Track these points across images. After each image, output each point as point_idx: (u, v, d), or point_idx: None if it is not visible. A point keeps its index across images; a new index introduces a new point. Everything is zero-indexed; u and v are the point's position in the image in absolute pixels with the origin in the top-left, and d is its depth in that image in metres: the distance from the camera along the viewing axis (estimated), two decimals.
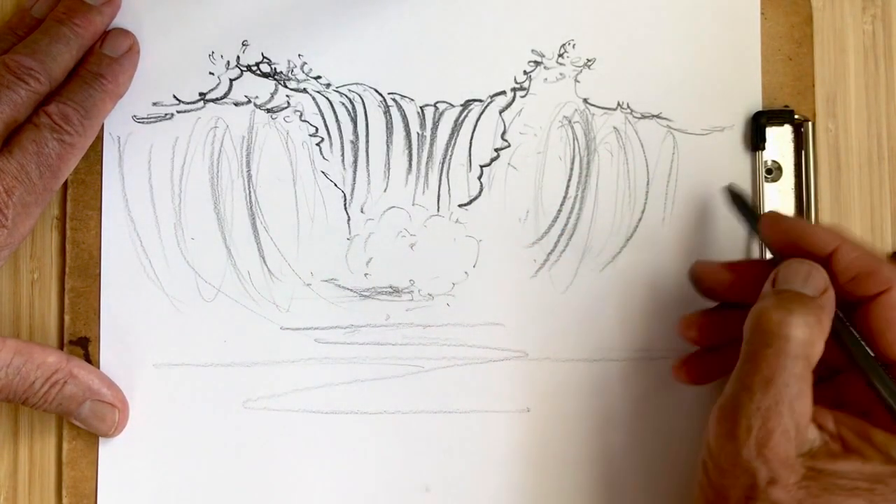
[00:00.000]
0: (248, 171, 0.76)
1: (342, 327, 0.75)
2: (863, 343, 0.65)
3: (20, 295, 0.76)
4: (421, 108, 0.76)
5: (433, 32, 0.76)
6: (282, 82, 0.76)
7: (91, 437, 0.74)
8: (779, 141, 0.75)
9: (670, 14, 0.76)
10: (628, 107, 0.76)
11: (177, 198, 0.75)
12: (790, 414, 0.61)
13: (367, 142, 0.76)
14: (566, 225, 0.75)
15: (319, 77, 0.76)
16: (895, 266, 0.66)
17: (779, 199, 0.74)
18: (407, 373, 0.75)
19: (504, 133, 0.76)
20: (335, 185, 0.75)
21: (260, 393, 0.75)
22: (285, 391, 0.75)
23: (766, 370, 0.62)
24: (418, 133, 0.76)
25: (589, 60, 0.76)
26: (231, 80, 0.76)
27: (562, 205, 0.75)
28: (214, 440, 0.75)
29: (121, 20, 0.75)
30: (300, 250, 0.75)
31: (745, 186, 0.75)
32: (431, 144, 0.76)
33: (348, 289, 0.75)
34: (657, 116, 0.76)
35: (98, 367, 0.74)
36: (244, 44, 0.76)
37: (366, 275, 0.75)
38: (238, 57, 0.76)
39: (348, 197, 0.75)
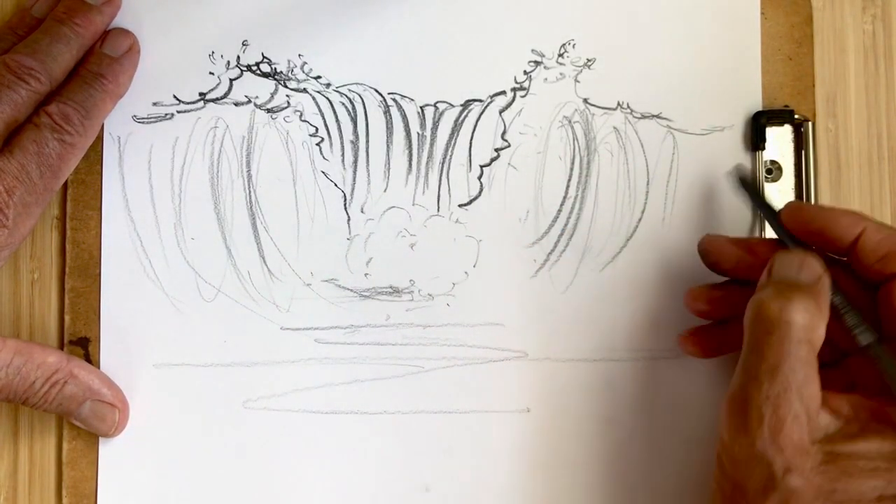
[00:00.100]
0: (248, 171, 0.76)
1: (342, 327, 0.75)
2: (865, 324, 0.66)
3: (20, 295, 0.76)
4: (421, 108, 0.76)
5: (433, 32, 0.76)
6: (282, 82, 0.76)
7: (91, 437, 0.74)
8: (779, 141, 0.75)
9: (670, 14, 0.76)
10: (628, 107, 0.76)
11: (177, 198, 0.75)
12: (800, 400, 0.61)
13: (368, 142, 0.76)
14: (566, 225, 0.75)
15: (319, 77, 0.76)
16: None
17: (779, 198, 0.74)
18: (407, 373, 0.75)
19: (504, 133, 0.76)
20: (335, 185, 0.75)
21: (260, 393, 0.75)
22: (285, 391, 0.75)
23: (771, 358, 0.62)
24: (418, 133, 0.76)
25: (589, 60, 0.76)
26: (231, 80, 0.76)
27: (562, 205, 0.75)
28: (214, 440, 0.75)
29: (121, 20, 0.75)
30: (300, 250, 0.75)
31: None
32: (431, 144, 0.76)
33: (348, 289, 0.75)
34: (657, 116, 0.76)
35: (98, 367, 0.74)
36: (244, 44, 0.76)
37: (366, 275, 0.75)
38: (238, 57, 0.76)
39: (348, 197, 0.75)
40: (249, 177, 0.76)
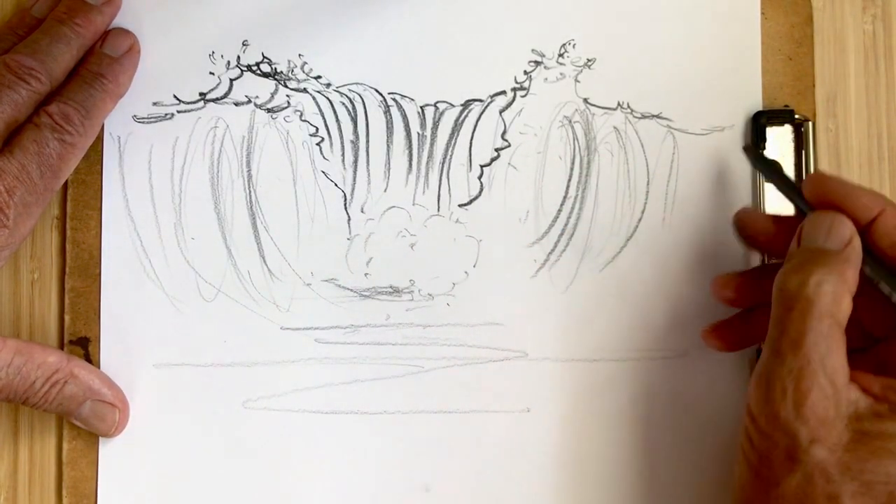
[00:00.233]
0: (249, 170, 0.76)
1: (342, 327, 0.75)
2: None
3: (20, 295, 0.76)
4: (421, 107, 0.76)
5: (433, 32, 0.76)
6: (282, 82, 0.76)
7: (91, 437, 0.74)
8: (779, 141, 0.75)
9: (671, 14, 0.76)
10: (628, 106, 0.76)
11: (177, 197, 0.75)
12: (823, 372, 0.61)
13: (368, 142, 0.76)
14: (566, 225, 0.75)
15: (320, 77, 0.76)
16: None
17: (779, 198, 0.74)
18: (407, 373, 0.75)
19: (504, 133, 0.76)
20: (335, 184, 0.76)
21: (260, 393, 0.75)
22: (285, 391, 0.75)
23: (792, 332, 0.62)
24: (418, 133, 0.76)
25: (589, 60, 0.76)
26: (231, 80, 0.76)
27: (562, 205, 0.75)
28: (214, 440, 0.75)
29: (121, 20, 0.76)
30: (300, 250, 0.75)
31: (745, 186, 0.75)
32: (432, 144, 0.76)
33: (348, 289, 0.75)
34: (657, 116, 0.76)
35: (98, 367, 0.74)
36: (244, 44, 0.76)
37: (366, 275, 0.75)
38: (238, 57, 0.76)
39: (348, 197, 0.75)
40: (249, 177, 0.76)
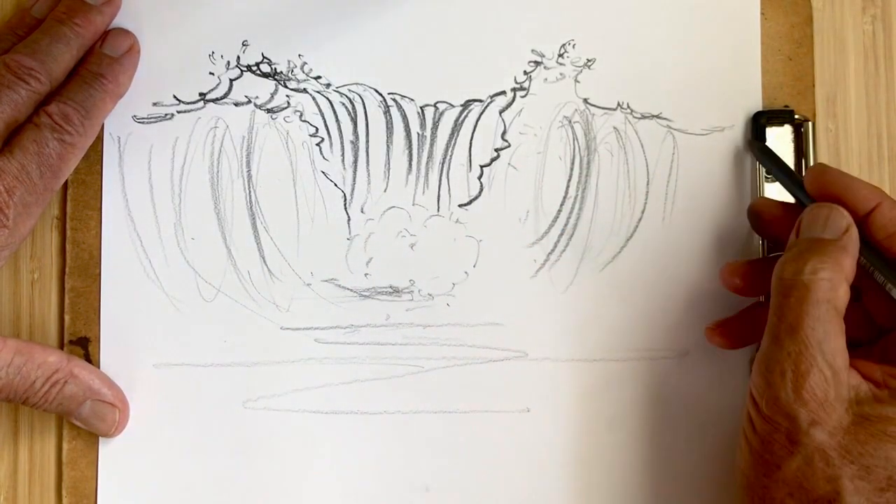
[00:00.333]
0: (249, 171, 0.76)
1: (342, 327, 0.75)
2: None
3: (20, 295, 0.76)
4: (421, 108, 0.76)
5: (433, 32, 0.76)
6: (282, 82, 0.76)
7: (91, 437, 0.74)
8: (779, 141, 0.75)
9: (670, 14, 0.76)
10: (628, 107, 0.76)
11: (177, 198, 0.75)
12: (821, 355, 0.62)
13: (368, 142, 0.76)
14: (566, 225, 0.75)
15: (319, 77, 0.76)
16: None
17: (779, 198, 0.73)
18: (407, 373, 0.75)
19: (504, 133, 0.76)
20: (335, 185, 0.76)
21: (260, 393, 0.75)
22: (285, 391, 0.75)
23: (790, 318, 0.63)
24: (418, 133, 0.76)
25: (589, 60, 0.76)
26: (231, 81, 0.76)
27: (562, 205, 0.75)
28: (214, 440, 0.75)
29: (121, 20, 0.75)
30: (300, 250, 0.75)
31: (745, 186, 0.75)
32: (431, 144, 0.76)
33: (348, 289, 0.75)
34: (657, 116, 0.76)
35: (98, 367, 0.74)
36: (244, 44, 0.76)
37: (366, 275, 0.75)
38: (238, 57, 0.76)
39: (348, 197, 0.75)
40: (249, 177, 0.76)
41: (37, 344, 0.72)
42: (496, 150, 0.76)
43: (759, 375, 0.64)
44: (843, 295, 0.64)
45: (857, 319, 0.69)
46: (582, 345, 0.75)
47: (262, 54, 0.76)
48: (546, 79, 0.76)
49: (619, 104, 0.76)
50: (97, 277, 0.75)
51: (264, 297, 0.75)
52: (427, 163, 0.75)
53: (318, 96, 0.76)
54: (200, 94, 0.76)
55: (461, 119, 0.76)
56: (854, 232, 0.66)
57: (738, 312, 0.73)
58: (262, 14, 0.76)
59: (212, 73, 0.76)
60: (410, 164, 0.76)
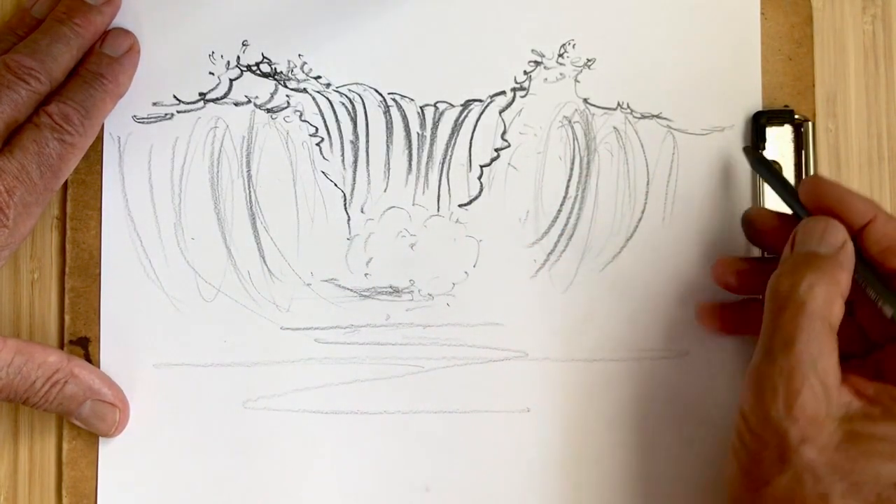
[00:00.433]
0: (248, 171, 0.76)
1: (342, 327, 0.75)
2: (889, 295, 0.66)
3: (20, 295, 0.76)
4: (421, 108, 0.76)
5: (433, 32, 0.76)
6: (282, 82, 0.76)
7: (91, 437, 0.74)
8: (779, 141, 0.75)
9: (670, 14, 0.76)
10: (628, 107, 0.76)
11: (177, 198, 0.75)
12: (814, 373, 0.62)
13: (368, 142, 0.76)
14: (566, 225, 0.75)
15: (319, 77, 0.76)
16: None
17: (778, 200, 0.74)
18: (407, 373, 0.75)
19: (504, 133, 0.76)
20: (335, 185, 0.76)
21: (260, 393, 0.75)
22: (285, 391, 0.75)
23: (784, 333, 0.63)
24: (418, 133, 0.76)
25: (589, 60, 0.76)
26: (231, 80, 0.76)
27: (562, 205, 0.75)
28: (214, 440, 0.75)
29: (121, 20, 0.75)
30: (300, 250, 0.75)
31: (745, 186, 0.75)
32: (431, 144, 0.76)
33: (348, 289, 0.75)
34: (657, 116, 0.76)
35: (98, 367, 0.74)
36: (244, 44, 0.76)
37: (366, 275, 0.75)
38: (238, 57, 0.76)
39: (348, 197, 0.75)
40: (249, 177, 0.76)
41: (37, 344, 0.72)
42: (496, 149, 0.76)
43: (749, 391, 0.64)
44: (837, 311, 0.63)
45: (850, 333, 0.69)
46: (582, 345, 0.75)
47: (262, 54, 0.76)
48: (546, 79, 0.76)
49: (618, 104, 0.76)
50: (97, 277, 0.75)
51: (264, 297, 0.75)
52: (427, 163, 0.75)
53: (318, 96, 0.76)
54: (200, 94, 0.76)
55: (461, 119, 0.76)
56: (850, 247, 0.65)
57: (733, 301, 0.73)
58: (262, 14, 0.76)
59: (212, 73, 0.76)
60: (410, 164, 0.76)
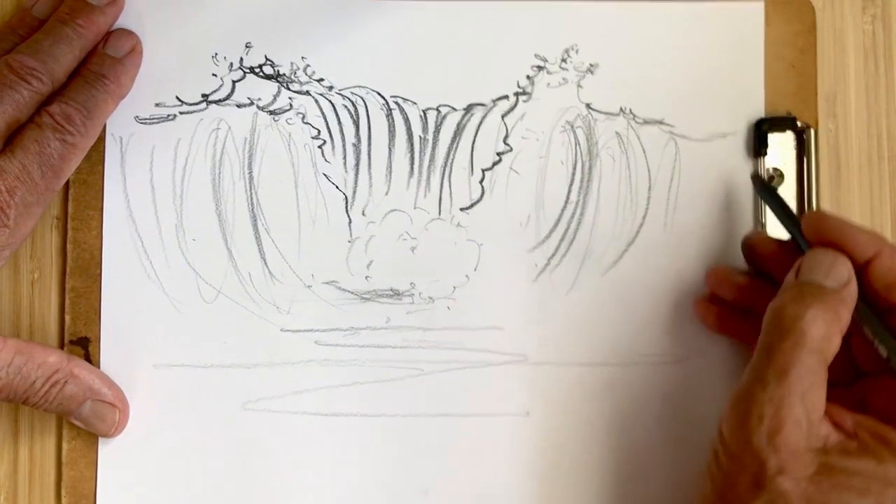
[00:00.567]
0: (250, 172, 0.75)
1: (342, 329, 0.75)
2: (889, 335, 0.66)
3: (20, 295, 0.76)
4: (423, 111, 0.76)
5: (436, 36, 0.76)
6: (285, 84, 0.76)
7: (90, 438, 0.75)
8: (781, 148, 0.75)
9: (674, 19, 0.76)
10: (631, 112, 0.76)
11: (178, 199, 0.75)
12: (802, 405, 0.62)
13: (370, 144, 0.76)
14: (567, 229, 0.75)
15: (322, 79, 0.76)
16: None
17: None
18: (407, 376, 0.75)
19: (506, 137, 0.76)
20: (337, 187, 0.75)
21: (259, 394, 0.75)
22: (285, 393, 0.75)
23: (780, 362, 0.63)
24: (420, 136, 0.76)
25: (592, 65, 0.76)
26: (234, 82, 0.76)
27: (563, 209, 0.75)
28: (214, 441, 0.75)
29: (124, 21, 0.75)
30: (301, 252, 0.75)
31: (746, 193, 0.75)
32: (433, 148, 0.76)
33: (349, 291, 0.75)
34: (660, 122, 0.76)
35: (98, 368, 0.74)
36: (247, 45, 0.76)
37: (366, 277, 0.75)
38: (241, 59, 0.76)
39: (350, 199, 0.75)
40: (251, 178, 0.75)
41: (37, 344, 0.72)
42: (498, 153, 0.76)
43: (733, 413, 0.64)
44: (834, 347, 0.64)
45: (841, 362, 0.68)
46: (582, 349, 0.75)
47: (266, 56, 0.76)
48: (549, 83, 0.76)
49: (621, 109, 0.76)
50: (98, 277, 0.75)
51: (265, 298, 0.75)
52: (429, 166, 0.75)
53: (320, 98, 0.76)
54: (203, 96, 0.76)
55: (463, 123, 0.76)
56: (854, 285, 0.65)
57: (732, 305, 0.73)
58: (265, 16, 0.76)
59: (214, 75, 0.76)
60: (412, 168, 0.76)
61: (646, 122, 0.76)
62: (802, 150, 0.75)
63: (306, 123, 0.76)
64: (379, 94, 0.76)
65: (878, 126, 0.77)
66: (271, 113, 0.76)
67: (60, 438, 0.75)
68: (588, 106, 0.76)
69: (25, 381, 0.70)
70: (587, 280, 0.75)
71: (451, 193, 0.75)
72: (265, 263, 0.75)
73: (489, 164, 0.76)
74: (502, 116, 0.76)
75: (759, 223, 0.75)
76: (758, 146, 0.75)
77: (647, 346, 0.75)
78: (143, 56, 0.75)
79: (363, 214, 0.75)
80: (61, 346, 0.75)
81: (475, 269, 0.75)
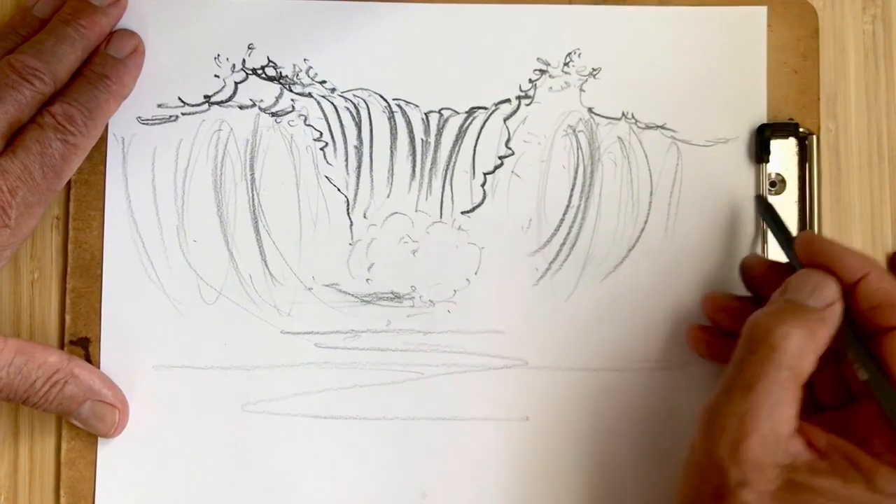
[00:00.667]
0: (252, 174, 0.75)
1: (343, 332, 0.75)
2: (869, 359, 0.66)
3: (20, 295, 0.76)
4: (425, 114, 0.76)
5: (439, 39, 0.76)
6: (287, 86, 0.76)
7: (90, 438, 0.75)
8: (783, 153, 0.75)
9: (676, 24, 0.76)
10: (633, 117, 0.76)
11: (180, 200, 0.75)
12: (768, 420, 0.62)
13: (371, 147, 0.76)
14: (569, 234, 0.75)
15: (324, 82, 0.76)
16: None
17: (782, 211, 0.74)
18: (407, 379, 0.75)
19: (508, 141, 0.76)
20: (338, 189, 0.75)
21: (259, 396, 0.75)
22: (284, 395, 0.75)
23: (748, 375, 0.63)
24: (422, 139, 0.76)
25: (594, 70, 0.76)
26: (236, 84, 0.76)
27: (564, 213, 0.75)
28: (213, 443, 0.75)
29: (126, 21, 0.75)
30: (302, 254, 0.75)
31: (748, 198, 0.75)
32: (435, 151, 0.75)
33: (349, 294, 0.75)
34: (662, 127, 0.76)
35: (98, 368, 0.74)
36: (250, 47, 0.76)
37: (367, 280, 0.75)
38: (244, 60, 0.76)
39: (351, 202, 0.75)
40: (253, 180, 0.75)
41: (37, 344, 0.72)
42: (500, 157, 0.76)
43: (701, 423, 0.64)
44: (807, 366, 0.63)
45: (834, 385, 0.69)
46: (582, 354, 0.75)
47: (268, 58, 0.76)
48: (551, 87, 0.76)
49: (623, 114, 0.76)
50: (98, 278, 0.75)
51: (265, 300, 0.75)
52: (430, 169, 0.75)
53: (322, 101, 0.76)
54: (205, 97, 0.76)
55: (465, 126, 0.75)
56: (838, 308, 0.65)
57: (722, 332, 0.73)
58: (268, 18, 0.76)
59: (217, 76, 0.76)
60: (414, 171, 0.75)
61: (648, 126, 0.76)
62: (805, 157, 0.75)
63: (308, 125, 0.76)
64: (381, 96, 0.76)
65: (879, 126, 0.77)
66: (273, 114, 0.76)
67: (60, 439, 0.75)
68: (590, 110, 0.76)
69: (26, 380, 0.70)
70: (588, 285, 0.75)
71: (452, 197, 0.75)
72: (266, 265, 0.75)
73: (491, 168, 0.75)
74: (504, 120, 0.76)
75: (761, 230, 0.75)
76: (760, 152, 0.75)
77: (647, 351, 0.75)
78: (146, 57, 0.75)
79: (364, 217, 0.75)
80: (61, 346, 0.75)
81: (476, 273, 0.75)
